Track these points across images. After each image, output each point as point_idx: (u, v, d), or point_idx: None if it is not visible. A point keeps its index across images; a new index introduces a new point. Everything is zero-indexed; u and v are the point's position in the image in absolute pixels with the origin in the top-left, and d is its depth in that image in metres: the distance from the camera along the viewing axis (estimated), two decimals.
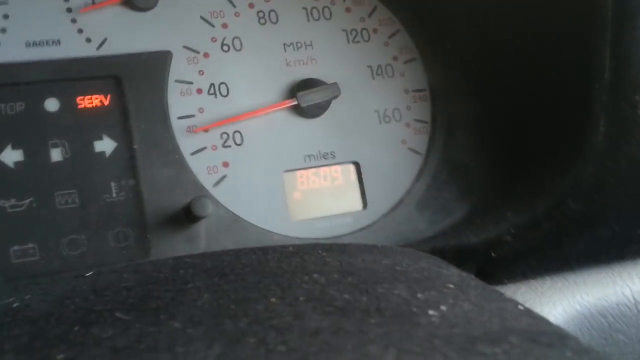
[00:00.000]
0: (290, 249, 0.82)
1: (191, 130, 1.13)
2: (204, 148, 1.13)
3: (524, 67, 1.18)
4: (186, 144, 1.12)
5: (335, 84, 1.19)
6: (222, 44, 1.17)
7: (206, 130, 1.14)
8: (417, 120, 1.27)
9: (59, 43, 1.08)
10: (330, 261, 0.75)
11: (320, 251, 0.81)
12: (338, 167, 1.21)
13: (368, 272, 0.71)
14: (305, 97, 1.17)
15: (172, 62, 1.13)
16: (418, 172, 1.25)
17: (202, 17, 1.17)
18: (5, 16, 1.06)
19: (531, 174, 1.16)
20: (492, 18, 1.24)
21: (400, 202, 1.22)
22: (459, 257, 1.04)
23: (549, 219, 1.01)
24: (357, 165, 1.22)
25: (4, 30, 1.06)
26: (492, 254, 1.04)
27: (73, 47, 1.08)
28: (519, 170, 1.20)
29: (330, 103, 1.19)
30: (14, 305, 0.66)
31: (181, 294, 0.64)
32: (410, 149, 1.25)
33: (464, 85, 1.29)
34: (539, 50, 1.12)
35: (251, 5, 1.21)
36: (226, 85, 1.16)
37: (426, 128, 1.27)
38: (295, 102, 1.17)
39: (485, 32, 1.25)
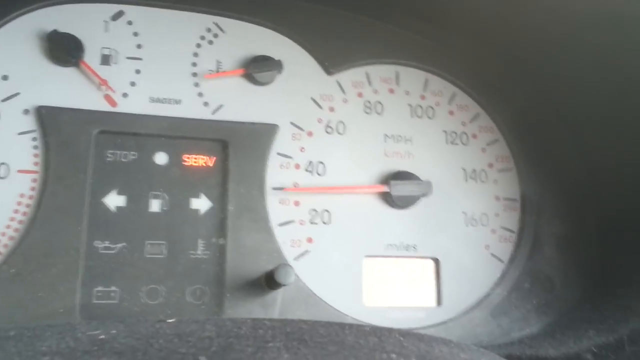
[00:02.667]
0: (367, 328, 0.78)
1: (283, 202, 1.11)
2: (292, 221, 1.12)
3: (625, 189, 1.14)
4: (276, 215, 1.11)
5: (429, 182, 1.18)
6: (327, 126, 1.18)
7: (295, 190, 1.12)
8: (504, 228, 1.22)
9: (180, 102, 1.11)
10: (408, 345, 0.71)
11: (397, 335, 0.77)
12: (418, 261, 1.17)
13: None
14: (398, 187, 1.16)
15: (277, 136, 1.13)
16: (498, 278, 1.19)
17: (312, 99, 1.18)
18: (137, 71, 1.10)
19: (618, 294, 1.10)
20: (597, 144, 1.21)
21: (476, 305, 1.17)
22: None
23: (634, 343, 0.95)
24: (436, 261, 1.17)
25: (133, 84, 1.10)
26: None
27: (191, 108, 1.11)
28: (605, 290, 1.15)
29: (420, 199, 1.16)
30: (101, 337, 0.65)
31: (262, 350, 0.62)
32: (493, 254, 1.20)
33: (558, 199, 1.25)
34: None
35: (360, 95, 1.21)
36: (323, 165, 1.16)
37: (512, 237, 1.22)
38: (387, 190, 1.15)
39: (588, 156, 1.22)
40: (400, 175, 1.16)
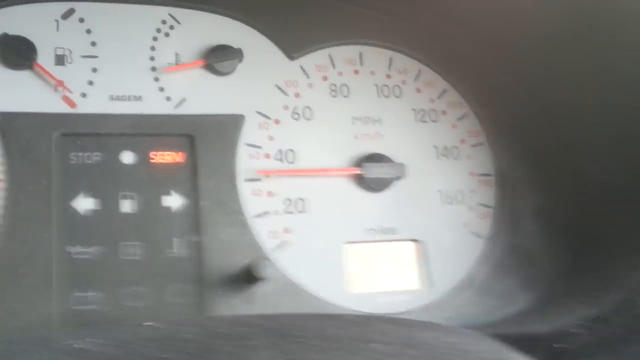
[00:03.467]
0: (349, 317, 0.83)
1: (256, 193, 1.16)
2: (267, 212, 1.16)
3: (599, 160, 1.20)
4: (250, 207, 1.15)
5: (402, 164, 1.23)
6: (293, 112, 1.23)
7: (267, 175, 1.18)
8: (481, 205, 1.28)
9: (141, 99, 1.15)
10: (390, 333, 0.76)
11: (379, 323, 0.82)
12: (398, 244, 1.23)
13: (428, 347, 0.71)
14: (371, 169, 1.21)
15: (244, 126, 1.18)
16: (480, 256, 1.25)
17: (276, 86, 1.23)
18: (94, 69, 1.14)
19: (601, 266, 1.15)
20: (569, 114, 1.27)
21: (461, 285, 1.22)
22: (521, 346, 1.04)
23: (618, 314, 1.00)
24: (417, 243, 1.23)
25: (91, 83, 1.13)
26: (556, 346, 1.02)
27: (153, 104, 1.15)
28: (587, 261, 1.20)
29: (393, 181, 1.23)
30: (75, 346, 0.68)
31: (239, 349, 0.66)
32: (472, 232, 1.27)
33: (532, 172, 1.31)
34: (621, 148, 1.13)
35: (324, 78, 1.26)
36: (293, 152, 1.21)
37: (490, 213, 1.28)
38: (359, 172, 1.21)
39: (560, 127, 1.28)
40: (373, 158, 1.22)
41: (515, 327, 1.12)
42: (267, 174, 1.17)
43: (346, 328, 0.76)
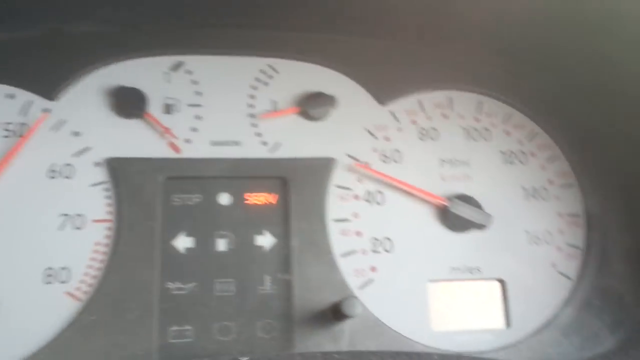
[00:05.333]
0: (436, 357, 0.80)
1: (345, 233, 1.12)
2: (355, 251, 1.12)
3: None
4: (338, 246, 1.11)
5: (489, 215, 1.15)
6: (383, 155, 1.17)
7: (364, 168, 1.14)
8: (570, 245, 1.18)
9: (239, 144, 1.13)
10: None
11: None
12: (483, 283, 1.14)
13: None
14: (457, 206, 1.15)
15: (335, 169, 1.14)
16: (567, 297, 1.15)
17: (366, 129, 1.18)
18: (198, 117, 1.14)
19: None
20: None
21: (546, 325, 1.13)
22: None
23: None
24: (502, 283, 1.15)
25: (194, 130, 1.13)
26: None
27: (250, 149, 1.13)
28: None
29: (476, 227, 1.14)
30: None
31: None
32: (560, 272, 1.17)
33: (622, 213, 1.20)
34: None
35: (414, 122, 1.21)
36: (382, 194, 1.15)
37: (578, 254, 1.18)
38: (446, 204, 1.14)
39: None
40: (463, 197, 1.15)
41: None
42: (365, 168, 1.13)
43: None
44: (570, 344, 1.11)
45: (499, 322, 1.12)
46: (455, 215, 1.14)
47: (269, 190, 1.11)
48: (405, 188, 1.15)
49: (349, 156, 1.15)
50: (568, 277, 1.16)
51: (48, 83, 1.09)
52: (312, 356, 0.76)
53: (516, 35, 1.15)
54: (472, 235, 1.15)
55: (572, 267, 1.17)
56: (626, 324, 1.12)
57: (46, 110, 1.08)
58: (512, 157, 1.20)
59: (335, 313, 1.02)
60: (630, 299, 1.14)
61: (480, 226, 1.14)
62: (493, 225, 1.15)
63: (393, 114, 1.19)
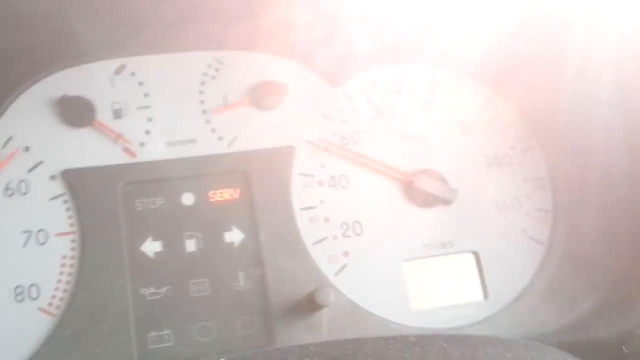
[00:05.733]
0: (412, 339, 0.87)
1: (313, 220, 1.25)
2: (325, 238, 1.25)
3: None
4: (308, 234, 1.24)
5: (455, 190, 1.29)
6: (342, 138, 1.31)
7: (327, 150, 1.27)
8: (538, 210, 1.34)
9: (195, 142, 1.25)
10: (452, 352, 0.81)
11: (441, 342, 0.87)
12: (457, 257, 1.29)
13: None
14: (423, 181, 1.28)
15: (296, 156, 1.27)
16: (540, 262, 1.31)
17: (322, 114, 1.32)
18: (149, 119, 1.26)
19: None
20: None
21: (522, 293, 1.28)
22: (589, 352, 1.06)
23: None
24: (476, 254, 1.29)
25: (148, 132, 1.25)
26: (624, 349, 1.06)
27: (207, 145, 1.25)
28: None
29: (441, 202, 1.29)
30: None
31: None
32: (531, 238, 1.32)
33: (587, 172, 1.33)
34: None
35: (369, 101, 1.35)
36: (346, 177, 1.29)
37: (548, 217, 1.34)
38: (411, 179, 1.28)
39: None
40: (427, 171, 1.29)
41: (580, 334, 1.17)
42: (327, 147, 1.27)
43: (410, 350, 0.82)
44: (548, 310, 1.24)
45: (476, 294, 1.26)
46: (421, 191, 1.27)
47: (231, 185, 1.22)
48: (371, 164, 1.28)
49: (308, 142, 1.29)
50: (539, 242, 1.31)
51: None
52: (288, 351, 0.82)
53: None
54: (440, 210, 1.29)
55: (542, 231, 1.32)
56: (599, 285, 1.25)
57: None
58: (471, 126, 1.36)
59: (310, 304, 1.13)
60: (602, 259, 1.27)
61: (446, 201, 1.28)
62: (460, 197, 1.29)
63: (347, 95, 1.33)
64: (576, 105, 1.32)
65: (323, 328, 1.17)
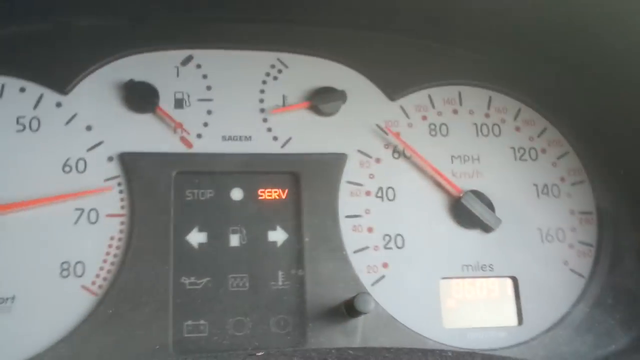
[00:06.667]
0: (450, 354, 0.89)
1: (357, 229, 1.26)
2: (367, 247, 1.26)
3: None
4: (350, 242, 1.25)
5: (499, 220, 1.29)
6: (394, 151, 1.32)
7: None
8: (582, 243, 1.34)
9: (250, 139, 1.28)
10: None
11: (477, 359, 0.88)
12: (495, 280, 1.29)
13: None
14: (470, 200, 1.29)
15: (346, 164, 1.29)
16: (579, 294, 1.30)
17: (377, 125, 1.33)
18: (209, 112, 1.28)
19: None
20: None
21: (558, 323, 1.27)
22: None
23: None
24: (515, 280, 1.29)
25: (206, 124, 1.28)
26: None
27: (261, 144, 1.28)
28: None
29: (481, 225, 1.29)
30: None
31: None
32: (572, 270, 1.32)
33: (634, 210, 1.35)
34: None
35: (424, 118, 1.36)
36: (393, 190, 1.30)
37: (591, 251, 1.33)
38: (461, 195, 1.29)
39: None
40: (477, 193, 1.30)
41: None
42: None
43: None
44: (583, 342, 1.24)
45: (511, 319, 1.26)
46: (467, 209, 1.28)
47: (280, 185, 1.25)
48: (427, 170, 1.31)
49: (361, 152, 1.30)
50: (580, 275, 1.30)
51: (59, 77, 1.23)
52: (326, 352, 0.85)
53: (525, 31, 1.30)
54: (484, 233, 1.29)
55: (584, 264, 1.31)
56: (637, 321, 1.26)
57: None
58: (523, 154, 1.36)
59: (348, 309, 1.14)
60: None
61: (487, 227, 1.28)
62: (505, 222, 1.29)
63: (403, 109, 1.34)
64: (631, 145, 1.34)
65: (357, 334, 1.18)
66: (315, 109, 1.30)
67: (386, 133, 1.32)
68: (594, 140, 1.38)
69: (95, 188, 1.19)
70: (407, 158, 1.32)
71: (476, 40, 1.37)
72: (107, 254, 1.17)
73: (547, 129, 1.39)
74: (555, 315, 1.27)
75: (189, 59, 1.30)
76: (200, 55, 1.31)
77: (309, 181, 1.25)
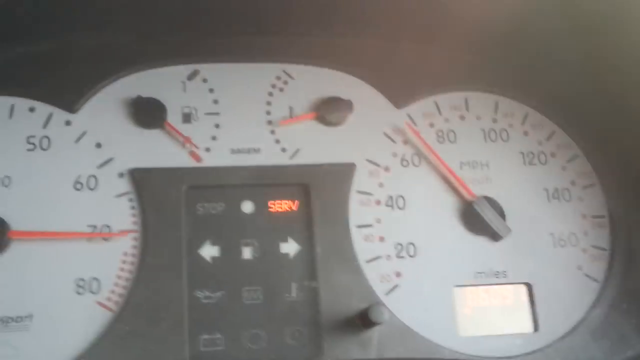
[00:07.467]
0: None
1: (368, 239, 1.26)
2: (379, 257, 1.26)
3: None
4: (362, 252, 1.25)
5: (508, 229, 1.29)
6: (402, 160, 1.33)
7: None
8: (595, 247, 1.33)
9: (259, 151, 1.29)
10: None
11: None
12: (509, 287, 1.29)
13: None
14: (482, 206, 1.29)
15: (355, 174, 1.29)
16: (594, 299, 1.30)
17: (385, 134, 1.34)
18: (217, 125, 1.29)
19: None
20: None
21: (574, 329, 1.27)
22: None
23: None
24: (529, 287, 1.29)
25: (214, 138, 1.29)
26: None
27: (270, 156, 1.29)
28: None
29: (490, 233, 1.29)
30: None
31: None
32: (586, 275, 1.31)
33: None
34: None
35: (431, 125, 1.37)
36: (403, 199, 1.30)
37: (605, 255, 1.33)
38: (473, 200, 1.29)
39: None
40: (489, 199, 1.30)
41: None
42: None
43: None
44: (599, 348, 1.24)
45: (526, 326, 1.26)
46: (477, 215, 1.28)
47: (291, 197, 1.25)
48: (439, 175, 1.31)
49: (369, 161, 1.31)
50: (595, 280, 1.30)
51: (67, 95, 1.24)
52: None
53: (530, 35, 1.31)
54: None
55: (598, 269, 1.31)
56: None
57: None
58: (532, 158, 1.36)
59: (363, 320, 1.14)
60: None
61: (495, 235, 1.28)
62: (517, 227, 1.29)
63: (410, 117, 1.35)
64: (637, 144, 1.34)
65: (372, 345, 1.18)
66: (322, 119, 1.31)
67: (394, 141, 1.33)
68: (603, 142, 1.39)
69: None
70: (415, 166, 1.33)
71: (481, 46, 1.37)
72: (122, 269, 1.17)
73: (555, 133, 1.40)
74: (570, 321, 1.27)
75: (195, 74, 1.31)
76: (206, 69, 1.32)
77: (319, 192, 1.26)
